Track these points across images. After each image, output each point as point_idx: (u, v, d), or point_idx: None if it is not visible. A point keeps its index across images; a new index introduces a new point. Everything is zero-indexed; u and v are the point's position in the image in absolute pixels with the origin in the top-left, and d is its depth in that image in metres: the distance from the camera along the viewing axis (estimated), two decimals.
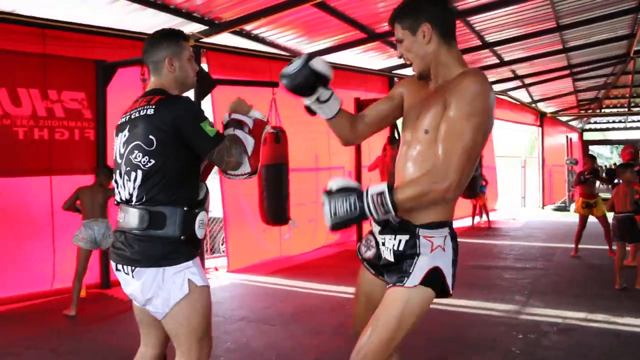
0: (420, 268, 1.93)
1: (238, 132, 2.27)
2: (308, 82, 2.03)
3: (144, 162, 2.10)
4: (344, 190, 1.87)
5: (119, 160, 2.20)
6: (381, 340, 1.91)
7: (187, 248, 2.15)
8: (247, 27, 6.96)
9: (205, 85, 6.66)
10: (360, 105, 8.55)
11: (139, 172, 2.11)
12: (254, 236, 7.16)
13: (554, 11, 7.67)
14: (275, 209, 5.57)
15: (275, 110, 6.42)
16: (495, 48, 9.36)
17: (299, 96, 2.11)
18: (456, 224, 11.22)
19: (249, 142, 2.26)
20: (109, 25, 6.05)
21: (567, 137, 16.75)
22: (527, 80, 12.35)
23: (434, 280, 1.94)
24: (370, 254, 2.15)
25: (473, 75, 1.87)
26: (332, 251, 8.32)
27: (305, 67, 2.01)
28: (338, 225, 1.88)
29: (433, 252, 1.95)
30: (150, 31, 6.37)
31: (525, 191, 16.18)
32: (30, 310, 5.21)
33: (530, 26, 8.35)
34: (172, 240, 2.11)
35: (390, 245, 2.02)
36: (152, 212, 2.10)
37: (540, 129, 15.86)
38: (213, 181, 3.67)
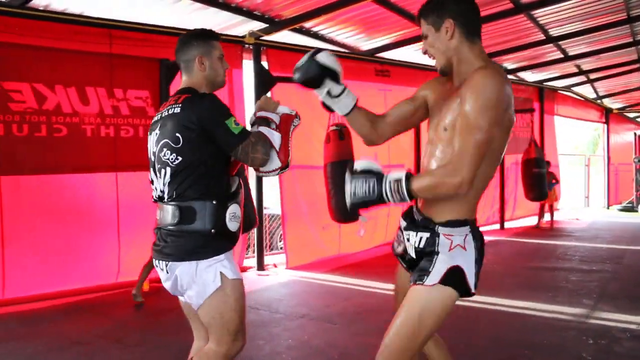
0: (439, 267, 1.95)
1: (262, 129, 2.28)
2: (315, 75, 2.07)
3: (172, 159, 2.17)
4: (366, 173, 1.94)
5: (152, 158, 2.29)
6: (403, 338, 1.94)
7: (219, 241, 2.20)
8: (307, 25, 6.98)
9: (265, 82, 6.72)
10: None
11: (168, 170, 2.18)
12: (312, 234, 7.15)
13: (625, 2, 7.34)
14: (344, 205, 5.51)
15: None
16: (560, 42, 9.04)
17: (311, 89, 2.13)
18: (520, 223, 11.13)
19: (275, 137, 2.27)
20: (172, 25, 6.15)
21: (635, 134, 16.04)
22: (593, 76, 11.87)
23: (454, 279, 1.95)
24: (401, 249, 2.21)
25: (485, 69, 1.89)
26: (390, 250, 8.19)
27: (311, 60, 2.06)
28: (355, 205, 1.97)
29: (452, 251, 1.97)
30: (214, 29, 6.53)
31: (588, 190, 15.61)
32: (96, 302, 5.37)
33: (599, 19, 8.03)
34: (203, 234, 2.16)
35: (412, 242, 2.08)
36: (183, 208, 2.17)
37: (605, 125, 15.25)
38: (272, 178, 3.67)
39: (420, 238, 2.04)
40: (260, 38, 6.71)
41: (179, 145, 2.15)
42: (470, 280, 1.97)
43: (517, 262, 7.48)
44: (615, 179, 15.51)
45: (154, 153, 2.27)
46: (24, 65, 5.26)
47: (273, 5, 6.23)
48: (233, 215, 2.23)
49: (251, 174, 3.91)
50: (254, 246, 7.16)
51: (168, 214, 2.19)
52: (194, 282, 2.17)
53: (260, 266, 6.81)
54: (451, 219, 2.00)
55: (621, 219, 13.00)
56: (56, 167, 5.43)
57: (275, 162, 2.27)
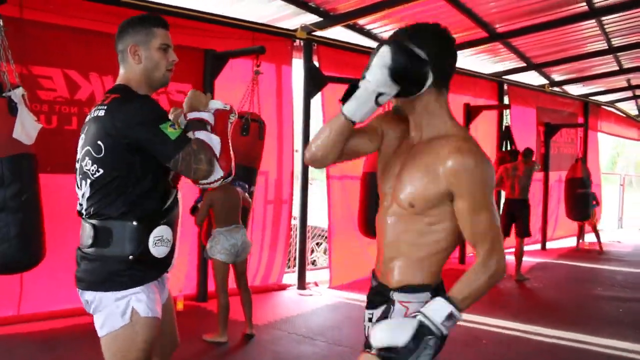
0: None
1: (200, 134, 1.96)
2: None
3: (92, 170, 1.89)
4: (416, 339, 1.53)
5: (76, 166, 2.00)
6: None
7: (139, 270, 1.92)
8: (361, 22, 6.36)
9: (315, 82, 6.10)
10: (470, 111, 7.81)
11: (87, 182, 1.91)
12: (359, 250, 6.50)
13: None
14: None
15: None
16: (619, 54, 8.43)
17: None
18: (561, 244, 10.46)
19: (214, 142, 1.97)
20: (218, 13, 5.53)
21: None
22: (639, 91, 11.24)
23: None
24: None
25: (470, 152, 1.60)
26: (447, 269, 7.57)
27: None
28: None
29: None
30: (262, 20, 5.92)
31: (622, 212, 14.92)
32: None
33: None
34: (119, 260, 1.90)
35: (371, 316, 1.80)
36: (99, 228, 1.91)
37: None
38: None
39: (380, 311, 1.74)
40: (312, 33, 6.08)
41: (101, 155, 1.87)
42: None
43: (578, 289, 6.83)
44: None
45: (77, 160, 1.99)
46: (56, 49, 4.62)
47: None
48: (159, 239, 1.94)
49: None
50: (294, 260, 6.53)
51: (84, 233, 1.94)
52: (100, 310, 1.92)
53: (302, 284, 6.15)
54: (408, 283, 1.70)
55: None
56: None
57: (218, 172, 1.96)
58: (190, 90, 2.13)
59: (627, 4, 6.32)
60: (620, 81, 10.39)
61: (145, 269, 1.94)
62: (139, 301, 1.90)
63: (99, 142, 1.87)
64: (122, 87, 2.01)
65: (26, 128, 3.45)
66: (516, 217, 6.99)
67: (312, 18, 5.97)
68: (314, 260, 8.60)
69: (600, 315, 5.60)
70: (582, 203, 9.30)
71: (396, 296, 1.70)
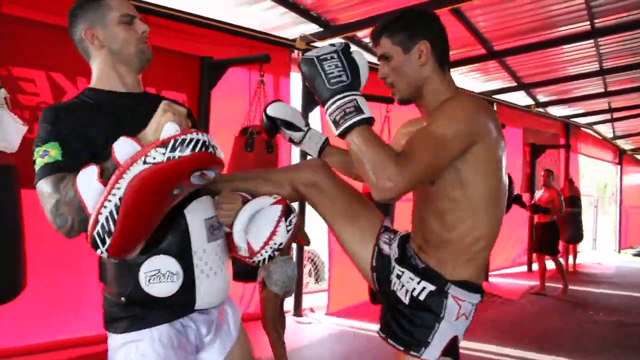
0: (440, 338, 1.64)
1: (86, 172, 1.39)
2: (267, 127, 2.07)
3: None
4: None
5: None
6: None
7: (135, 312, 1.52)
8: (359, 34, 6.08)
9: (314, 96, 5.75)
10: None
11: None
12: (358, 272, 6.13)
13: None
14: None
15: (388, 129, 5.53)
16: (607, 76, 8.40)
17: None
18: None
19: (91, 191, 1.36)
20: (215, 18, 5.15)
21: None
22: (618, 114, 11.28)
23: (451, 349, 1.67)
24: (388, 250, 1.84)
25: (456, 98, 1.62)
26: None
27: (264, 113, 2.06)
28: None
29: (457, 320, 1.66)
30: (260, 28, 5.56)
31: (596, 233, 14.98)
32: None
33: None
34: (114, 302, 1.55)
35: (410, 287, 1.69)
36: (100, 262, 1.61)
37: (619, 167, 14.67)
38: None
39: (424, 289, 1.66)
40: (312, 44, 5.75)
41: None
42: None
43: (581, 314, 6.59)
44: (626, 222, 14.87)
45: None
46: (41, 49, 4.15)
47: (331, 6, 5.31)
48: (154, 274, 1.48)
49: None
50: None
51: None
52: None
53: (298, 311, 5.73)
54: (468, 279, 1.65)
55: None
56: None
57: (91, 240, 1.37)
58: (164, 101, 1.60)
59: (628, 25, 6.24)
60: (600, 104, 10.41)
61: (148, 310, 1.53)
62: (142, 355, 1.49)
63: None
64: (87, 90, 1.72)
65: (9, 134, 2.99)
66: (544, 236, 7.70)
67: (311, 28, 5.67)
68: None
69: (618, 343, 5.33)
70: (572, 222, 9.27)
71: (453, 291, 1.64)
